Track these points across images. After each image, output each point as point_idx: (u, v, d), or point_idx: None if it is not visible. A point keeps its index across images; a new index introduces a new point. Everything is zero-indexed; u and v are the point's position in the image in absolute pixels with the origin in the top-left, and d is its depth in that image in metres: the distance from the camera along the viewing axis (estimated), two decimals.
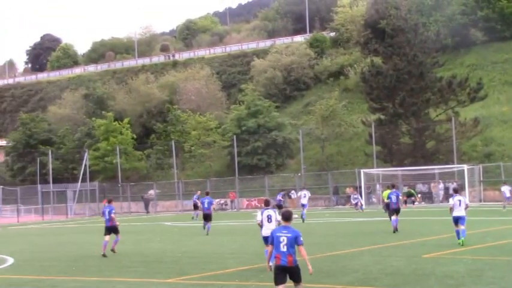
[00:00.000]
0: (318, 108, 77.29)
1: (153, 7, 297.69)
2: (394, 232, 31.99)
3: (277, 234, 13.00)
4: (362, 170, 62.11)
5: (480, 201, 59.15)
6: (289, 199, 67.35)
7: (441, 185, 63.07)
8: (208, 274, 19.94)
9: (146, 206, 75.84)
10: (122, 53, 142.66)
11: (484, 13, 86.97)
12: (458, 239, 25.31)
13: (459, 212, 25.76)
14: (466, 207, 26.28)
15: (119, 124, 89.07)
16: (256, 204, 70.89)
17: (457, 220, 25.68)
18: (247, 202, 73.21)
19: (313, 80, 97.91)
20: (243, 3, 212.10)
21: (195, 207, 55.84)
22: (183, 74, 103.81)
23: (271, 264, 13.80)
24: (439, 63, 70.65)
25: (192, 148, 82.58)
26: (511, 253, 21.97)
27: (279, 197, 56.63)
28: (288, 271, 13.05)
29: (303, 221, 41.92)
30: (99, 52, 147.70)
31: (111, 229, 27.49)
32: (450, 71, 75.12)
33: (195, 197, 58.25)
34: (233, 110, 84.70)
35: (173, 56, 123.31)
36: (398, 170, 63.53)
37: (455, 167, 60.80)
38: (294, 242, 12.88)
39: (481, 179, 61.37)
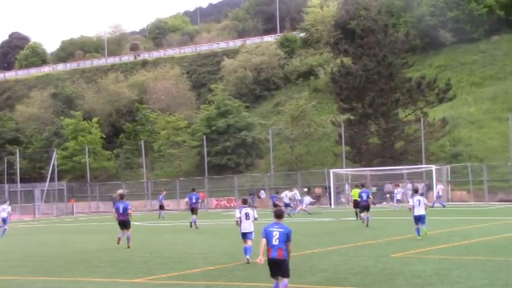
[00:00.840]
0: (288, 108, 77.40)
1: (123, 6, 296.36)
2: (367, 226, 34.70)
3: (270, 229, 13.67)
4: (331, 170, 62.27)
5: (448, 201, 59.52)
6: (258, 199, 67.40)
7: (409, 185, 63.36)
8: (176, 274, 19.83)
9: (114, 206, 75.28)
10: (91, 52, 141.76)
11: (454, 14, 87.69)
12: (419, 236, 27.02)
13: (419, 211, 27.50)
14: (426, 207, 28.06)
15: (88, 123, 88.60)
16: (226, 204, 70.86)
17: (417, 219, 27.40)
18: (217, 202, 73.07)
19: (283, 80, 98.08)
20: (213, 3, 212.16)
21: (161, 207, 56.23)
22: (153, 73, 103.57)
23: (263, 258, 14.14)
24: (409, 64, 71.10)
25: (161, 148, 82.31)
26: (477, 252, 22.11)
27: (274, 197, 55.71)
28: (277, 264, 13.65)
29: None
30: (68, 51, 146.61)
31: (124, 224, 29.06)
32: (419, 72, 75.65)
33: (160, 197, 58.32)
34: (203, 109, 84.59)
35: (138, 55, 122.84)
36: (367, 170, 63.79)
37: (423, 167, 61.18)
38: (285, 237, 13.57)
39: (449, 179, 61.81)
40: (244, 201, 23.13)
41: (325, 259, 21.62)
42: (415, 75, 71.07)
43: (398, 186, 57.14)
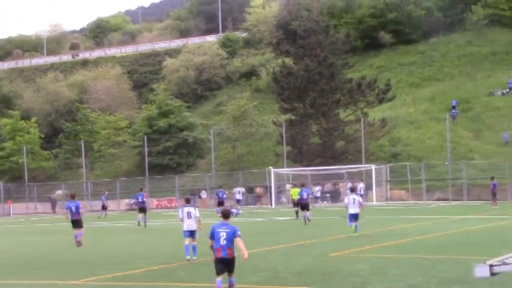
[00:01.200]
0: (230, 108, 77.45)
1: (64, 4, 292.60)
2: (305, 224, 36.25)
3: (218, 230, 14.18)
4: (272, 170, 62.46)
5: (387, 200, 60.30)
6: (199, 199, 67.23)
7: (349, 185, 63.90)
8: (117, 274, 19.67)
9: (53, 207, 74.38)
10: (30, 50, 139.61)
11: (393, 16, 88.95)
12: (356, 232, 28.78)
13: (354, 209, 29.00)
14: (360, 205, 29.42)
15: (26, 123, 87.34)
16: (166, 204, 70.51)
17: (352, 217, 28.93)
18: (157, 202, 72.62)
19: (224, 80, 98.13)
20: (155, 2, 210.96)
21: (104, 207, 55.97)
22: (94, 72, 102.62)
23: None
24: (349, 64, 71.85)
25: (102, 148, 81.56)
26: (414, 251, 22.43)
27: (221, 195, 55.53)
28: (227, 262, 14.25)
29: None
30: (6, 49, 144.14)
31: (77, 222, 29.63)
32: (360, 73, 76.56)
33: (103, 197, 57.91)
34: (144, 109, 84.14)
35: (77, 55, 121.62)
36: (308, 170, 64.16)
37: (363, 166, 61.80)
38: (232, 236, 14.06)
39: (388, 178, 62.55)
40: (187, 201, 23.72)
41: (265, 259, 21.67)
42: (355, 75, 71.87)
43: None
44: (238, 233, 14.12)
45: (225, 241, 14.04)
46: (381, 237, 27.35)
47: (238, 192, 54.50)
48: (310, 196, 38.82)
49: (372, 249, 23.41)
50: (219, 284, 14.31)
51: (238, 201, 53.14)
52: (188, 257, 21.65)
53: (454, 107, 71.57)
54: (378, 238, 27.05)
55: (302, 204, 38.28)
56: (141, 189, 46.10)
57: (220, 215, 15.09)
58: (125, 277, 19.24)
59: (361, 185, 56.36)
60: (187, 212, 22.28)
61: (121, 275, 19.69)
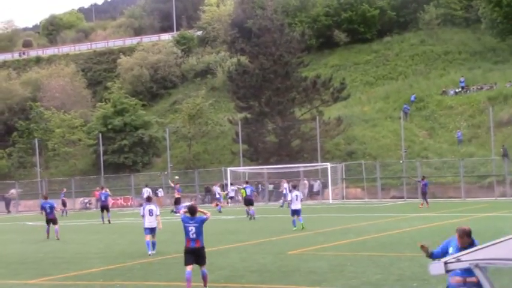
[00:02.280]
0: (185, 106, 77.20)
1: (16, 1, 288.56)
2: (250, 219, 38.77)
3: (186, 224, 15.43)
4: (228, 168, 62.48)
5: (343, 198, 60.67)
6: (156, 197, 67.01)
7: (306, 183, 64.26)
8: (72, 274, 19.54)
9: (7, 206, 73.43)
10: None
11: (347, 15, 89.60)
12: (294, 226, 30.86)
13: (297, 205, 31.18)
14: (301, 200, 32.32)
15: None
16: (122, 203, 70.04)
17: (294, 212, 31.13)
18: (113, 201, 71.90)
19: (180, 79, 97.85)
20: (108, 0, 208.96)
21: (64, 204, 56.02)
22: (47, 70, 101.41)
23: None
24: (304, 63, 72.15)
25: (56, 146, 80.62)
26: (371, 248, 22.66)
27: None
28: (196, 252, 15.37)
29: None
30: None
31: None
32: (315, 71, 76.89)
33: (62, 194, 57.72)
34: (99, 108, 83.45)
35: (23, 53, 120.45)
36: (264, 168, 64.30)
37: (319, 165, 62.09)
38: (200, 229, 15.43)
39: (344, 176, 62.95)
40: (148, 199, 25.51)
41: (223, 257, 21.74)
42: (310, 74, 72.17)
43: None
44: (205, 217, 15.70)
45: (194, 234, 15.31)
46: (338, 235, 27.58)
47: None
48: (254, 192, 41.27)
49: (330, 247, 23.61)
50: (188, 276, 15.24)
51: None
52: (150, 252, 22.73)
53: (412, 102, 72.29)
54: (335, 236, 27.29)
55: (246, 200, 41.51)
56: (102, 188, 47.60)
57: (186, 210, 16.11)
58: (79, 276, 19.15)
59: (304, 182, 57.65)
60: (149, 210, 23.69)
61: (75, 274, 19.57)
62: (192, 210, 15.67)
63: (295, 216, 31.01)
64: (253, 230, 32.63)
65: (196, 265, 15.53)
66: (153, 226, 23.54)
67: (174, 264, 20.17)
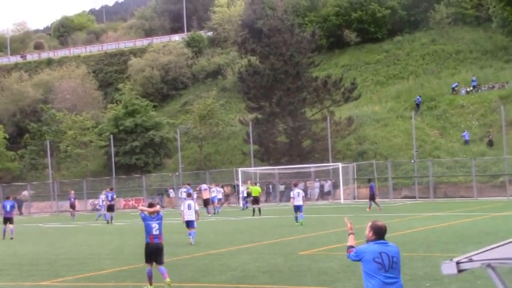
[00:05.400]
0: (196, 107, 77.28)
1: (28, 3, 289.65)
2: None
3: (149, 222, 16.69)
4: (239, 169, 62.43)
5: (354, 198, 60.51)
6: (167, 198, 67.22)
7: (317, 183, 64.22)
8: (84, 276, 19.56)
9: (19, 207, 73.67)
10: None
11: (358, 15, 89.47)
12: (297, 222, 33.46)
13: (298, 202, 33.97)
14: (304, 198, 35.27)
15: None
16: (134, 204, 70.08)
17: (297, 208, 33.83)
18: (125, 202, 72.17)
19: (190, 80, 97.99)
20: (119, 2, 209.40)
21: (72, 206, 55.93)
22: (59, 72, 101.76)
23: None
24: (315, 63, 72.07)
25: (68, 148, 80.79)
26: None
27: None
28: (159, 248, 16.60)
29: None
30: None
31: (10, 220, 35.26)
32: (325, 71, 76.83)
33: (70, 197, 57.72)
34: (110, 109, 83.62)
35: (24, 57, 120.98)
36: (275, 169, 64.25)
37: (330, 165, 61.99)
38: (162, 225, 16.82)
39: (355, 176, 62.81)
40: (189, 195, 29.51)
41: (235, 258, 21.70)
42: (321, 74, 72.10)
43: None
44: (161, 213, 17.14)
45: (157, 231, 16.63)
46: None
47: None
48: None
49: (341, 247, 23.45)
50: (150, 273, 16.44)
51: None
52: (192, 242, 26.32)
53: (417, 104, 71.95)
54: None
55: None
56: (111, 189, 48.44)
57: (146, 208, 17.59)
58: (90, 278, 19.15)
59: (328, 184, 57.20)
60: (188, 205, 27.14)
61: (86, 276, 19.58)
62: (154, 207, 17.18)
63: (298, 213, 33.68)
64: (265, 230, 32.58)
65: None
66: (191, 219, 26.82)
67: (185, 266, 20.18)
